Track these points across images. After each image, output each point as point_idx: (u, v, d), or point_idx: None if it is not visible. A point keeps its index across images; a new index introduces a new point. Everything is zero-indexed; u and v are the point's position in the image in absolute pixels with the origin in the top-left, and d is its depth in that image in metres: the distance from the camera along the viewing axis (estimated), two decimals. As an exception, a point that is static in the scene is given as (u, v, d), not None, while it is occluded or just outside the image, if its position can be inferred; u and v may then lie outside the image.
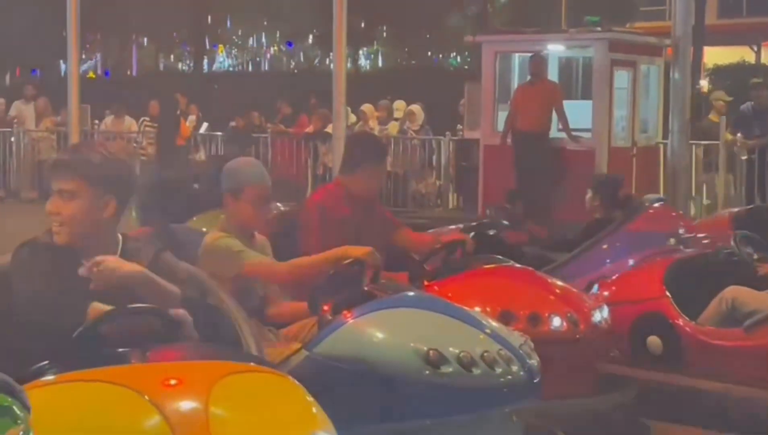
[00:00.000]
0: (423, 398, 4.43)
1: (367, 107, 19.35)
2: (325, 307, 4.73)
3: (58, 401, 2.99)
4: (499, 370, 4.55)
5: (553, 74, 15.64)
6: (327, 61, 32.41)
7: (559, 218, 14.33)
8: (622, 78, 15.33)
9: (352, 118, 18.74)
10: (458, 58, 35.60)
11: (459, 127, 18.57)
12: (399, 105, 19.67)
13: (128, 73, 38.61)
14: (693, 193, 16.05)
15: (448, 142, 17.44)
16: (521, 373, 4.62)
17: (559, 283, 6.27)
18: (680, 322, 6.36)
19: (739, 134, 14.95)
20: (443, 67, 34.20)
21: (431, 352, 4.46)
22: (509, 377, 4.58)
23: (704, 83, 24.79)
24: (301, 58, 39.14)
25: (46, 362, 3.29)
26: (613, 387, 6.03)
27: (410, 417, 4.47)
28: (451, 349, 4.51)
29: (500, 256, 6.51)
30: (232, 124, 20.45)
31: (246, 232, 4.97)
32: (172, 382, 3.01)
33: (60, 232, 3.70)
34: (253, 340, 3.75)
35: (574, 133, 14.70)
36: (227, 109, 22.28)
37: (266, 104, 21.98)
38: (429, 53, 36.45)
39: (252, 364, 3.36)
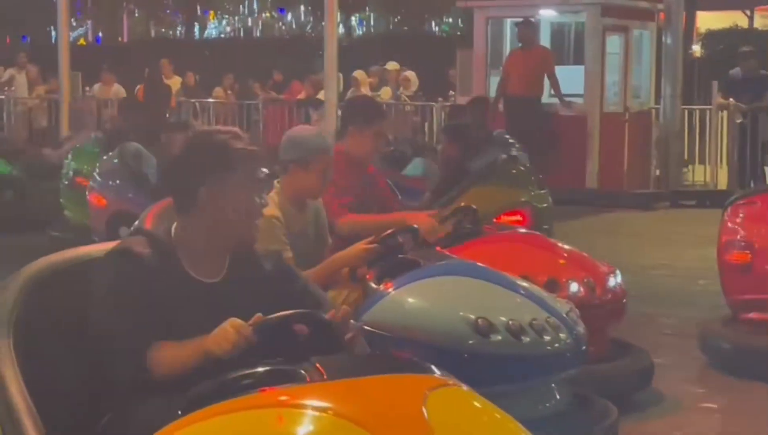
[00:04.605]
0: (472, 367, 4.35)
1: (359, 73, 19.33)
2: (368, 276, 4.63)
3: None
4: (547, 338, 4.46)
5: (545, 40, 15.62)
6: (319, 28, 32.26)
7: (551, 183, 14.34)
8: (614, 43, 15.32)
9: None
10: (450, 24, 35.48)
11: (451, 93, 18.56)
12: (392, 66, 19.64)
13: (119, 40, 38.44)
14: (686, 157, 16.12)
15: (440, 107, 17.42)
16: (569, 340, 4.55)
17: (567, 247, 6.21)
18: None
19: (731, 99, 14.99)
20: (435, 33, 34.10)
21: (480, 320, 4.38)
22: (558, 345, 4.50)
23: (697, 48, 24.75)
24: (293, 25, 38.97)
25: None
26: (626, 353, 6.00)
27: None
28: (499, 317, 4.43)
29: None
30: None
31: (300, 201, 4.89)
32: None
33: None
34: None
35: (566, 99, 14.70)
36: (219, 76, 22.21)
37: (258, 71, 21.93)
38: (421, 19, 36.30)
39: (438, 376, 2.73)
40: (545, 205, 8.84)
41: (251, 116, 19.35)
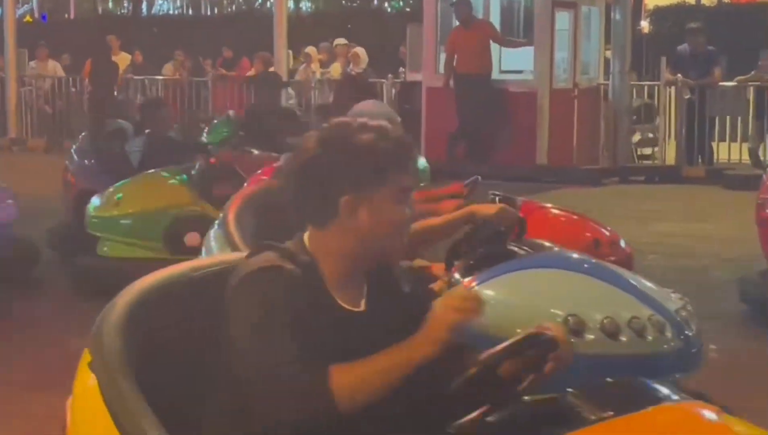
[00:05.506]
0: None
1: (311, 50, 19.28)
2: (454, 268, 4.23)
3: None
4: (649, 338, 4.09)
5: (494, 16, 15.63)
6: (268, 4, 32.06)
7: (501, 160, 14.40)
8: (563, 19, 15.35)
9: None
10: (401, 1, 35.41)
11: (401, 69, 18.54)
12: (342, 42, 19.61)
13: (66, 16, 38.04)
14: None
15: (390, 84, 17.40)
16: (675, 341, 4.18)
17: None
18: None
19: (679, 75, 15.08)
20: (385, 10, 34.03)
21: (571, 318, 4.01)
22: (662, 346, 4.13)
23: (645, 24, 24.89)
24: (242, 1, 38.73)
25: None
26: None
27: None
28: (594, 314, 4.06)
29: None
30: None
31: None
32: None
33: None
34: None
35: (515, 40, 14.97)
36: (167, 53, 22.05)
37: (207, 47, 21.79)
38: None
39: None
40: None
41: (201, 93, 19.24)
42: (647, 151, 16.84)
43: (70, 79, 20.53)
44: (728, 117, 15.61)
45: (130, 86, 19.87)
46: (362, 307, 2.62)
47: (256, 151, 8.99)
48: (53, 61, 20.90)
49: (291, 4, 27.09)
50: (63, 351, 6.72)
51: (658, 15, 24.59)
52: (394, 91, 17.33)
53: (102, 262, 8.15)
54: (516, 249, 4.40)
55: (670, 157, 15.49)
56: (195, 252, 8.03)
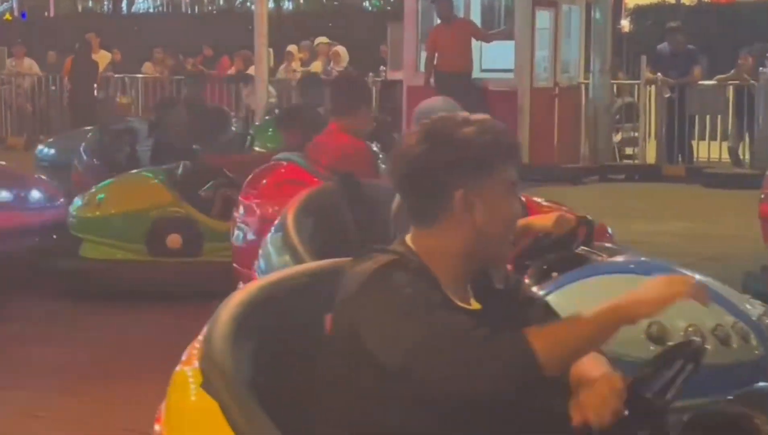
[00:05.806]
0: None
1: (293, 48, 19.27)
2: (527, 273, 4.09)
3: None
4: (734, 347, 4.03)
5: (475, 14, 15.64)
6: (248, 3, 32.00)
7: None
8: (543, 18, 15.36)
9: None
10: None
11: (382, 68, 18.53)
12: (323, 40, 19.60)
13: (45, 14, 37.92)
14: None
15: (371, 83, 17.38)
16: (760, 349, 4.09)
17: None
18: None
19: (659, 74, 15.13)
20: (366, 8, 34.02)
21: (653, 326, 3.91)
22: (747, 355, 4.05)
23: (625, 23, 24.93)
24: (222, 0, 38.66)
25: None
26: None
27: None
28: (677, 322, 3.96)
29: None
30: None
31: None
32: None
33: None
34: None
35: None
36: (147, 52, 22.00)
37: (187, 46, 21.73)
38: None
39: None
40: None
41: (181, 91, 19.16)
42: (630, 150, 16.89)
43: (50, 77, 20.48)
44: (708, 116, 15.67)
45: (110, 84, 19.79)
46: (476, 305, 2.56)
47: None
48: (29, 59, 20.83)
49: (272, 3, 27.07)
50: (42, 351, 6.71)
51: (639, 14, 24.63)
52: (374, 89, 17.31)
53: (84, 263, 8.05)
54: (589, 254, 4.27)
55: (651, 156, 15.53)
56: (177, 254, 8.02)
